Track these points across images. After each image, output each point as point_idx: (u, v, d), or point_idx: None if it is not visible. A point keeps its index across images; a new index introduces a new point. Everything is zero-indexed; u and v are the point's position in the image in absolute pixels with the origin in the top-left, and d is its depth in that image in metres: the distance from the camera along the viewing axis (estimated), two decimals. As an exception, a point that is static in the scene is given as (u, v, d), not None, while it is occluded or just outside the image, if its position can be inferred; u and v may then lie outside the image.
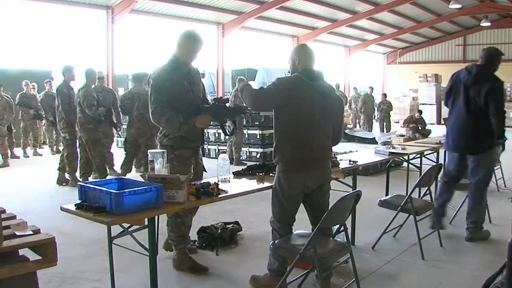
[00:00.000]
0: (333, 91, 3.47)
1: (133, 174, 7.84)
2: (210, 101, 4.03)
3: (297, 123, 3.26)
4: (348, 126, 15.39)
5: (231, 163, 7.54)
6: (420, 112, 14.52)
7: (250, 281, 3.59)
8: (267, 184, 3.59)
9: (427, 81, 23.04)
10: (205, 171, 4.04)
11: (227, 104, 3.83)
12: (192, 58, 3.78)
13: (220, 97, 6.04)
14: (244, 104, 3.67)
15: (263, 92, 3.33)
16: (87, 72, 7.49)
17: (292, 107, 3.24)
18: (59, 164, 7.68)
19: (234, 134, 3.78)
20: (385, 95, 17.57)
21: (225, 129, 4.12)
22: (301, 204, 3.47)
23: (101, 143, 7.53)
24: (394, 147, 6.00)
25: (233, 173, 3.90)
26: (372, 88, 17.19)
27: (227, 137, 9.30)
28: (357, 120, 16.76)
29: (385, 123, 16.52)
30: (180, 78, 3.67)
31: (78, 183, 3.51)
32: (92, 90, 7.50)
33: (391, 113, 16.98)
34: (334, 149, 3.77)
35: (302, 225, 3.59)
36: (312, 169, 3.32)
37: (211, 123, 4.00)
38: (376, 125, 17.22)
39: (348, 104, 16.30)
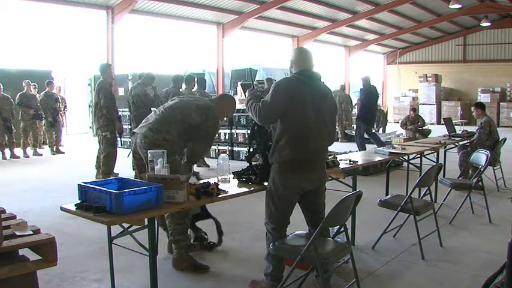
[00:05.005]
0: (329, 92, 3.50)
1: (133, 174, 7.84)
2: None
3: (296, 124, 3.24)
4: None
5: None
6: (414, 110, 13.91)
7: (250, 285, 3.54)
8: (266, 184, 3.58)
9: (427, 81, 23.04)
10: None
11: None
12: None
13: None
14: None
15: (266, 106, 3.27)
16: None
17: (292, 109, 3.23)
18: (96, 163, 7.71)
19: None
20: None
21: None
22: (298, 206, 3.46)
23: None
24: (394, 147, 6.00)
25: (233, 173, 3.90)
26: (342, 86, 15.99)
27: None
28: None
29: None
30: None
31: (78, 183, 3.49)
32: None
33: (389, 113, 16.61)
34: (334, 149, 3.78)
35: (301, 225, 3.59)
36: (308, 171, 3.31)
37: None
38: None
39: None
